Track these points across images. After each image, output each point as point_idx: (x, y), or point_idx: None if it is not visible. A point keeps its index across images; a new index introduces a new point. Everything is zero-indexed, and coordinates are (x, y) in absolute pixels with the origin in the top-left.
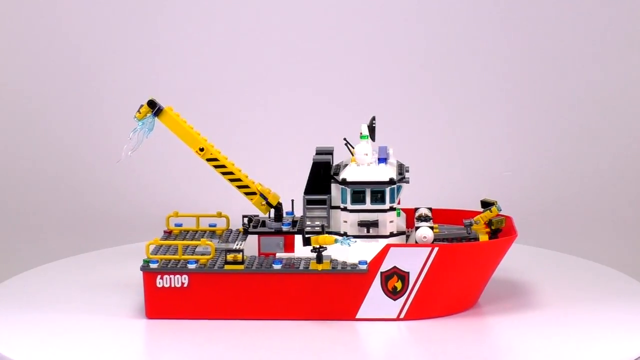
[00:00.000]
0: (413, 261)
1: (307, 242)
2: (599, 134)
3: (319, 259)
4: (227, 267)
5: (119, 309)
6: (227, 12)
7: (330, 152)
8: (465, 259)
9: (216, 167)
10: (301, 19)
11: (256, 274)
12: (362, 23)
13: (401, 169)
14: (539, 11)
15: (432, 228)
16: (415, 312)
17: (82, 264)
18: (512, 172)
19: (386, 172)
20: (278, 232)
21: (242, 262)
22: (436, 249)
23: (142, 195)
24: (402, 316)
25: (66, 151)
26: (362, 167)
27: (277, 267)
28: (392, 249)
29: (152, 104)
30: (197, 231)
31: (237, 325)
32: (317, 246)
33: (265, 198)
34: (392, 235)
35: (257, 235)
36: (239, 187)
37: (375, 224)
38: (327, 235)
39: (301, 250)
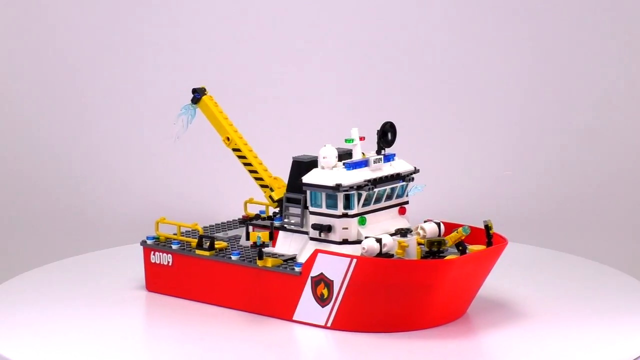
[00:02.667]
0: (336, 270)
1: (247, 237)
2: (599, 134)
3: (260, 255)
4: (197, 251)
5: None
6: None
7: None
8: (390, 275)
9: (239, 157)
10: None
11: (215, 261)
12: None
13: (392, 177)
14: (540, 13)
15: (379, 241)
16: (343, 323)
17: (83, 264)
18: (512, 172)
19: (336, 178)
20: (268, 226)
21: (209, 249)
22: (355, 260)
23: (147, 196)
24: (329, 324)
25: (67, 152)
26: (325, 171)
27: (234, 257)
28: (319, 254)
29: (194, 91)
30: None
31: (199, 308)
32: (255, 242)
33: (272, 191)
34: (345, 242)
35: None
36: (256, 178)
37: (327, 228)
38: (258, 232)
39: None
